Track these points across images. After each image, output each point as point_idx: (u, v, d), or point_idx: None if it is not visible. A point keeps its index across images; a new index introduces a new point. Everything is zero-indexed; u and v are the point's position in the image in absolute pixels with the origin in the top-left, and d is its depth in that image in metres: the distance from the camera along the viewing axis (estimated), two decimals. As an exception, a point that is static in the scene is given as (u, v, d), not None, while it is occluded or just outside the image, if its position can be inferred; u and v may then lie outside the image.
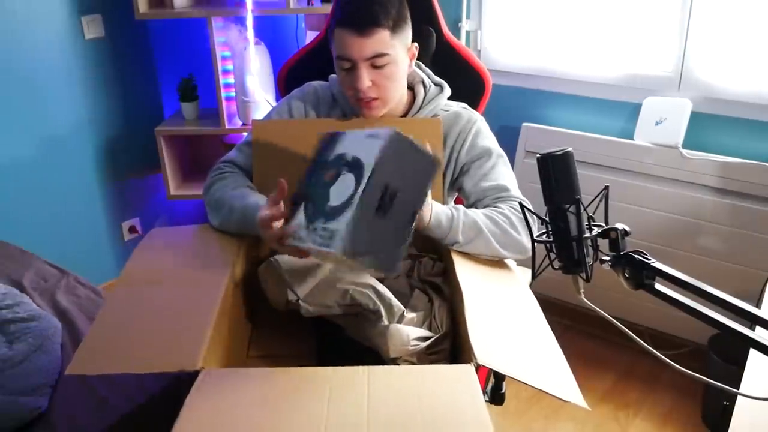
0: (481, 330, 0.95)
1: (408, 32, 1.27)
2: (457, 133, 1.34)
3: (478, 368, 0.86)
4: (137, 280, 1.11)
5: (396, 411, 0.78)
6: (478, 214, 1.22)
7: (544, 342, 0.98)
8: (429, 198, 1.16)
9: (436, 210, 1.18)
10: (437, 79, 1.40)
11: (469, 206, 1.30)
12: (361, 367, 0.87)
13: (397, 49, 1.24)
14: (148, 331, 0.97)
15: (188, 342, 0.93)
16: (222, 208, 1.25)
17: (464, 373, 0.86)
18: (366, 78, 1.22)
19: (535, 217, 1.19)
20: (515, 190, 1.30)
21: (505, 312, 1.06)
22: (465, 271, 1.14)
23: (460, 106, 1.39)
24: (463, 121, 1.35)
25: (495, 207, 1.25)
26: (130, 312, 1.03)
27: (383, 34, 1.20)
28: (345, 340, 1.16)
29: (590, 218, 0.82)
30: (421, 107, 1.36)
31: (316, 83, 1.42)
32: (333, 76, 1.39)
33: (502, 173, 1.32)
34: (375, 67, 1.22)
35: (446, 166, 1.35)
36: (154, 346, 0.93)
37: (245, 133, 2.48)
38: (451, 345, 1.15)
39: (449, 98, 1.40)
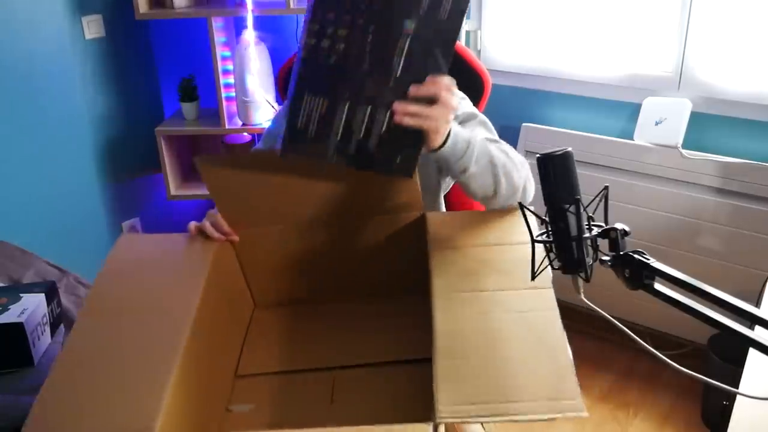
0: (451, 372, 0.86)
1: None
2: None
3: (438, 427, 0.78)
4: (100, 309, 1.06)
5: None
6: (486, 144, 1.17)
7: (546, 350, 0.91)
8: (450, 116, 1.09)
9: (455, 129, 1.12)
10: None
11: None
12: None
13: None
14: (104, 387, 0.91)
15: (146, 401, 0.86)
16: None
17: None
18: None
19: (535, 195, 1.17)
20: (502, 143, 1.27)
21: (496, 323, 0.97)
22: (444, 278, 1.03)
23: None
24: None
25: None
26: (87, 358, 0.97)
27: None
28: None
29: (590, 218, 0.82)
30: None
31: None
32: None
33: (487, 133, 1.29)
34: None
35: None
36: (108, 407, 0.87)
37: (246, 134, 2.51)
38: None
39: None
